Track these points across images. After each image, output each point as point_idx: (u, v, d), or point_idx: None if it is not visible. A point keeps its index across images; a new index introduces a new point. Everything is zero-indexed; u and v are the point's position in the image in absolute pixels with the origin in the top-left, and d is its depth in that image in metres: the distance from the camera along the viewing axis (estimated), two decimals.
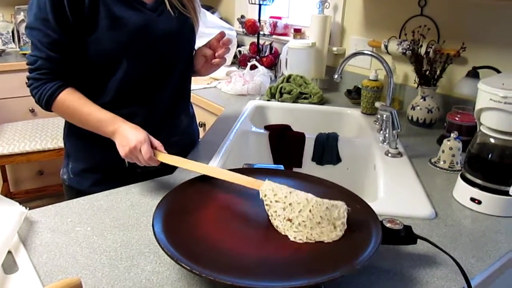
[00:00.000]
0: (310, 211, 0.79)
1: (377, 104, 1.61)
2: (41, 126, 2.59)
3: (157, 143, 1.00)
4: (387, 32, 1.85)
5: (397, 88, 1.83)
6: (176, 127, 1.27)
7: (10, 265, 0.75)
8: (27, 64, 1.06)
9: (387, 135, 1.38)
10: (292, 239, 0.77)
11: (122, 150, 0.99)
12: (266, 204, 0.83)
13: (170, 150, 1.12)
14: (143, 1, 1.09)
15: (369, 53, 1.47)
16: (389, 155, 1.30)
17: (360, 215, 0.83)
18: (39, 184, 2.95)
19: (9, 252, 0.78)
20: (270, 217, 0.82)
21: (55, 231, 0.87)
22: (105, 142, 1.09)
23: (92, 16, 1.02)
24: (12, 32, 3.02)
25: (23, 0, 2.94)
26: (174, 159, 1.00)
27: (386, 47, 1.80)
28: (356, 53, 1.47)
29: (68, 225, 0.89)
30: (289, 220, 0.79)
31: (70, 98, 1.06)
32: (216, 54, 1.18)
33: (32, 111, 2.80)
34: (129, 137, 0.98)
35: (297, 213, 0.79)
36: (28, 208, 0.90)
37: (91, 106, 1.06)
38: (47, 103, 1.05)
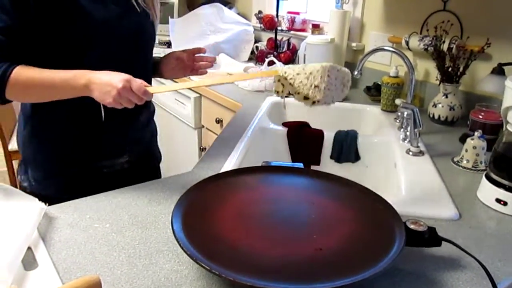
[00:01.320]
0: (328, 75, 0.91)
1: (397, 101, 1.58)
2: None
3: (139, 80, 0.94)
4: (408, 27, 1.82)
5: (418, 85, 1.79)
6: (138, 122, 1.23)
7: (30, 262, 0.75)
8: None
9: (408, 133, 1.35)
10: (323, 104, 0.92)
11: (109, 96, 0.91)
12: (290, 79, 0.93)
13: (135, 147, 1.20)
14: None
15: (391, 49, 1.44)
16: (410, 153, 1.28)
17: (383, 215, 0.81)
18: None
19: (29, 248, 0.78)
20: (297, 90, 0.93)
21: (74, 227, 0.87)
22: (69, 143, 1.09)
23: (56, 7, 0.96)
24: None
25: None
26: (165, 86, 1.02)
27: (407, 43, 1.76)
28: (377, 49, 1.45)
29: (87, 221, 0.89)
30: (316, 86, 0.91)
31: (25, 71, 0.96)
32: (202, 64, 1.20)
33: None
34: (111, 80, 0.91)
35: (319, 80, 0.91)
36: (47, 204, 0.90)
37: (50, 70, 0.96)
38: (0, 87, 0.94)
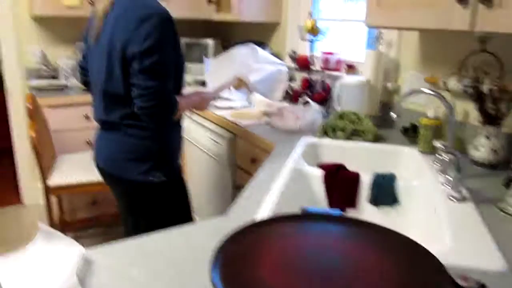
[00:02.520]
0: None
1: (437, 144, 1.54)
2: None
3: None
4: (445, 68, 1.79)
5: (457, 125, 1.75)
6: None
7: None
8: (155, 98, 1.46)
9: (449, 177, 1.31)
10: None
11: (206, 104, 1.84)
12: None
13: None
14: None
15: (430, 92, 1.42)
16: (452, 199, 1.23)
17: (428, 270, 0.77)
18: (92, 213, 3.04)
19: None
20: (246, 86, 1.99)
21: (111, 271, 0.86)
22: (178, 144, 1.76)
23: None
24: (74, 67, 3.19)
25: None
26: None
27: (444, 83, 1.73)
28: (415, 90, 1.43)
29: (124, 265, 0.89)
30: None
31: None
32: None
33: (89, 143, 2.91)
34: (204, 97, 1.83)
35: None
36: (85, 246, 0.90)
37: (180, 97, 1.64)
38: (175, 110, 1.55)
